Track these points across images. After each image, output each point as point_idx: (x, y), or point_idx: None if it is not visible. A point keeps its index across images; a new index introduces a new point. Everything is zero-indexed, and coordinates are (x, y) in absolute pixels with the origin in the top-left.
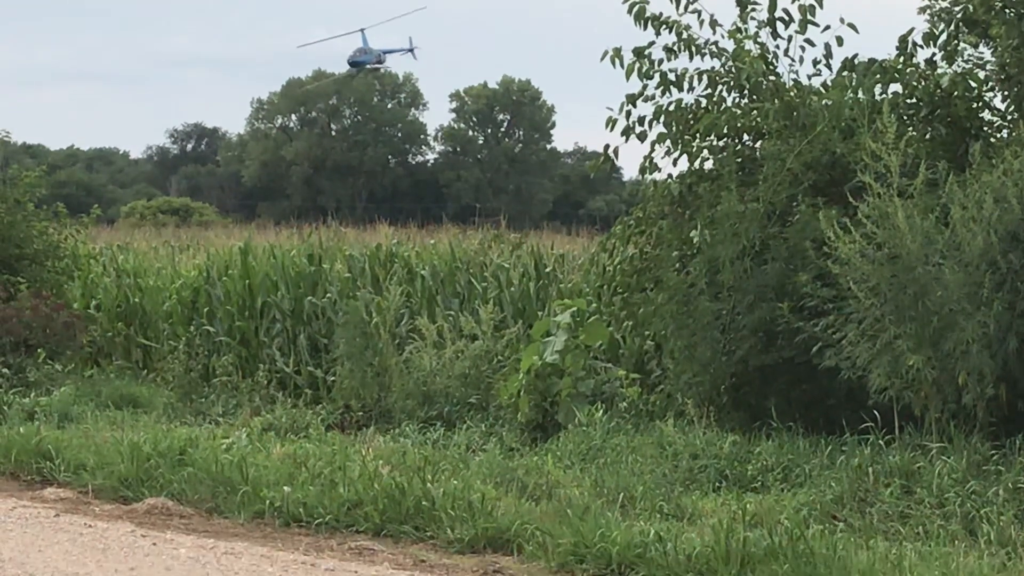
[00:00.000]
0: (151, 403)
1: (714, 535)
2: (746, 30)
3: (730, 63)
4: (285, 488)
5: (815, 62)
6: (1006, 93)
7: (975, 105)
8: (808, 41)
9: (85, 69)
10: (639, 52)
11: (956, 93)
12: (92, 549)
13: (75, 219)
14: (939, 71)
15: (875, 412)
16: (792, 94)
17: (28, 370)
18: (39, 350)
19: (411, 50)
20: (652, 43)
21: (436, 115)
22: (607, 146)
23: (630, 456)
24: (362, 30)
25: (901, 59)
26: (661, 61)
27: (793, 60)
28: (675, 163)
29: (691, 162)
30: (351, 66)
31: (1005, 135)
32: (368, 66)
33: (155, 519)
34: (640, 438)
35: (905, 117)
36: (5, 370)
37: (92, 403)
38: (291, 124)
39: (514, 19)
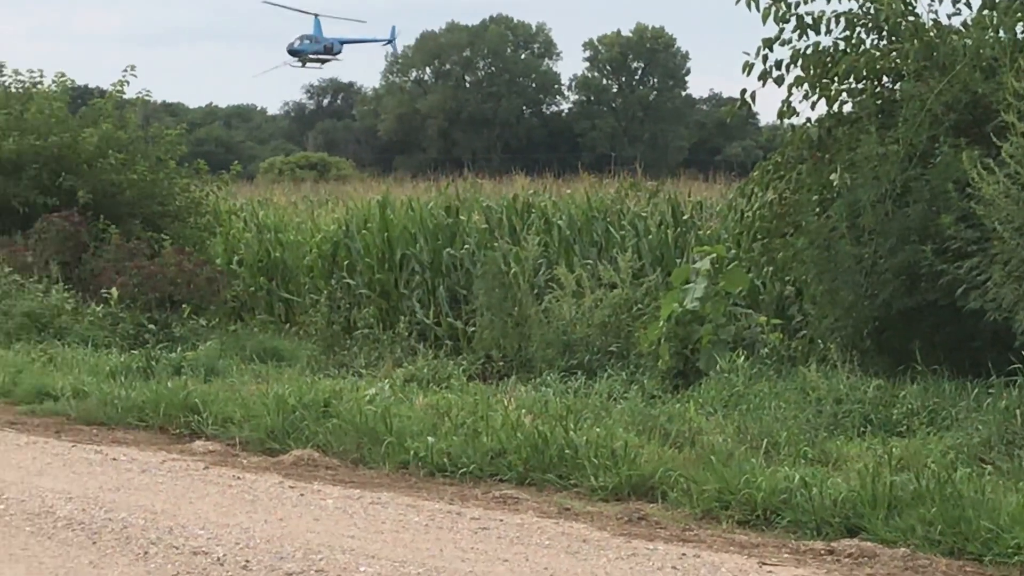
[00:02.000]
0: (294, 356)
1: (860, 480)
2: None
3: (868, 4)
4: (429, 438)
5: (955, 1)
6: None
7: None
8: None
9: (221, 26)
10: None
11: None
12: (241, 500)
13: (215, 176)
14: None
15: (1022, 354)
16: (932, 34)
17: (173, 325)
18: (184, 305)
19: (390, 41)
20: None
21: (570, 64)
22: (743, 91)
23: (773, 402)
24: (316, 15)
25: None
26: (797, 4)
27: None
28: (813, 107)
29: (829, 105)
30: (290, 54)
31: None
32: (311, 56)
33: (302, 470)
34: (782, 384)
35: None
36: (151, 326)
37: (237, 357)
38: (425, 77)
39: None
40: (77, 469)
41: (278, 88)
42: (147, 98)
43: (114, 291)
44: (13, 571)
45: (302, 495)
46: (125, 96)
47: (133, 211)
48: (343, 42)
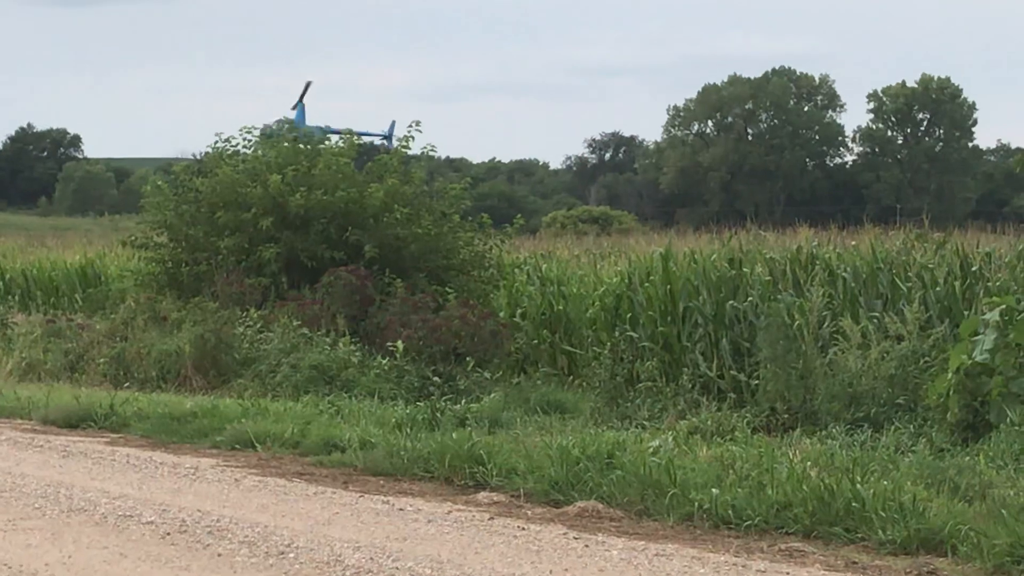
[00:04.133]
0: (577, 408)
1: None
2: None
3: None
4: (713, 490)
5: None
6: None
7: None
8: None
9: (505, 82)
10: None
11: None
12: (526, 551)
13: (498, 230)
14: None
15: None
16: None
17: (458, 378)
18: (468, 358)
19: (387, 137)
20: None
21: (854, 116)
22: None
23: None
24: (301, 101)
25: None
26: None
27: None
28: None
29: None
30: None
31: None
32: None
33: (586, 521)
34: None
35: None
36: (436, 378)
37: (520, 409)
38: (707, 130)
39: (932, 15)
40: (364, 519)
41: (560, 142)
42: (432, 153)
43: (399, 344)
44: None
45: (587, 546)
46: (410, 152)
47: (418, 265)
48: (328, 132)
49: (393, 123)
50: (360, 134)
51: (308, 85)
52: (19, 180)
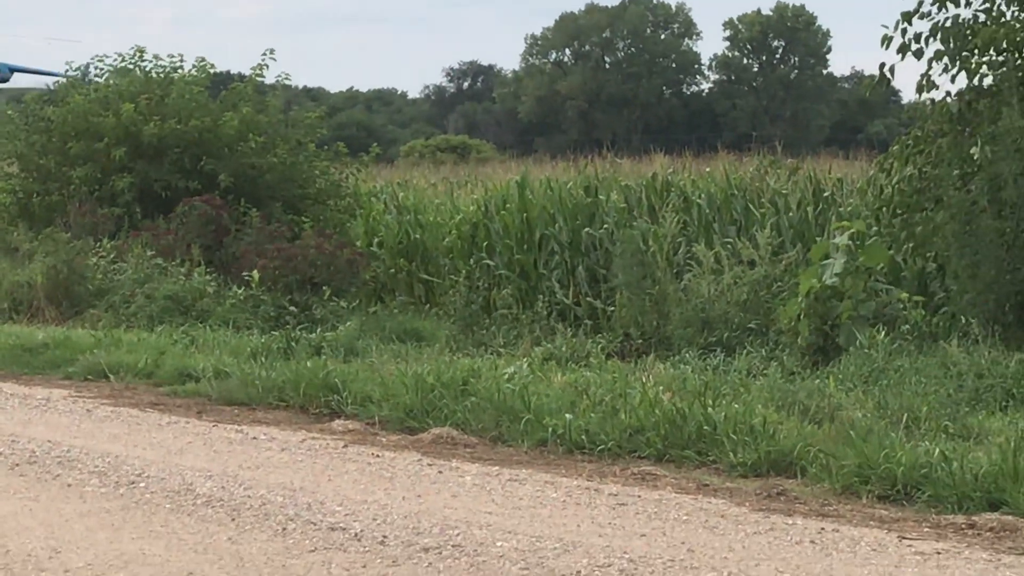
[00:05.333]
0: (433, 336)
1: (1001, 454)
2: None
3: None
4: (567, 416)
5: None
6: None
7: None
8: None
9: (363, 11)
10: None
11: None
12: (380, 478)
13: (355, 159)
14: None
15: None
16: None
17: (314, 307)
18: (324, 287)
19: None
20: None
21: (710, 44)
22: (882, 65)
23: (913, 377)
24: None
25: None
26: None
27: None
28: (953, 80)
29: (970, 79)
30: None
31: None
32: None
33: (440, 448)
34: (923, 359)
35: None
36: (292, 307)
37: (376, 337)
38: (565, 58)
39: None
40: (217, 448)
41: (418, 71)
42: (287, 82)
43: (255, 273)
44: (153, 547)
45: (440, 472)
46: (265, 80)
47: (273, 194)
48: (14, 69)
49: (67, 65)
50: (52, 73)
51: None
52: None
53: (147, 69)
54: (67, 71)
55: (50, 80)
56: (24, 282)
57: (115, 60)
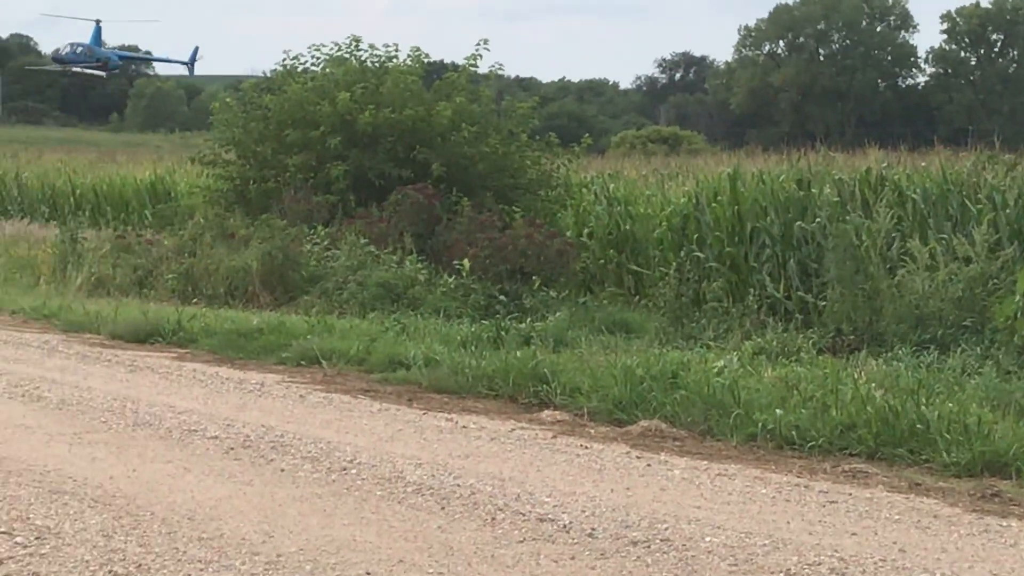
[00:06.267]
0: (642, 328)
1: None
2: None
3: None
4: (777, 411)
5: None
6: None
7: None
8: None
9: (577, 2)
10: None
11: None
12: (588, 469)
13: (567, 149)
14: None
15: None
16: None
17: (524, 296)
18: (534, 277)
19: (189, 63)
20: None
21: (927, 37)
22: None
23: None
24: (97, 22)
25: None
26: None
27: None
28: None
29: None
30: (55, 61)
31: None
32: (76, 68)
33: (649, 441)
34: None
35: None
36: (502, 297)
37: (585, 328)
38: (779, 50)
39: None
40: (427, 436)
41: (631, 62)
42: (500, 72)
43: (466, 262)
44: (364, 534)
45: (649, 465)
46: (478, 70)
47: (485, 184)
48: (124, 58)
49: (196, 48)
50: (156, 59)
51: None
52: (91, 96)
53: (362, 58)
54: (284, 60)
55: (170, 66)
56: (240, 268)
57: (331, 49)
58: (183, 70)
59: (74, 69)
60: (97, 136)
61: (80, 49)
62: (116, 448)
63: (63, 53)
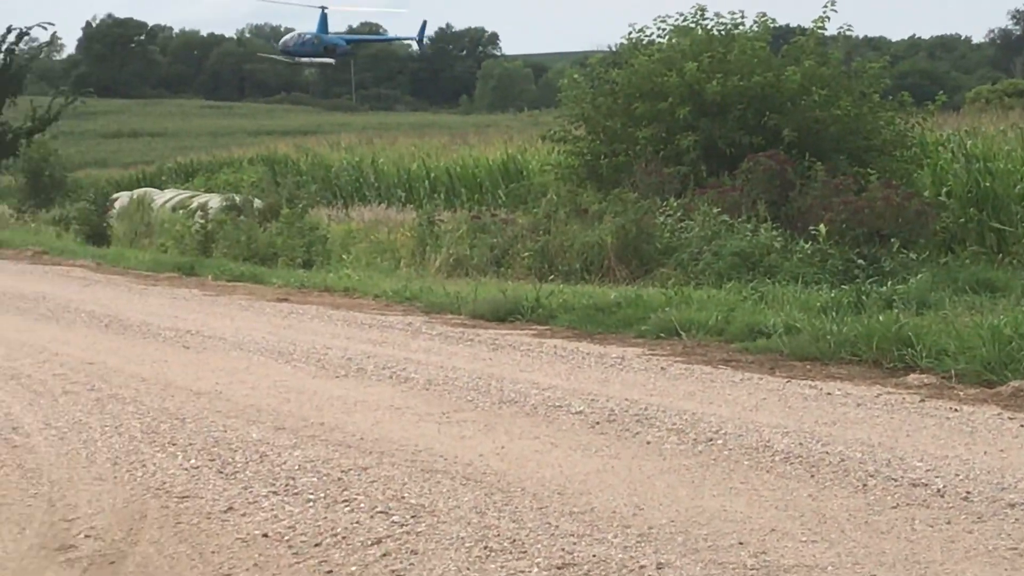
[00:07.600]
0: (1008, 287)
1: None
2: None
3: None
4: None
5: None
6: None
7: None
8: None
9: None
10: None
11: None
12: (959, 432)
13: (920, 108)
14: None
15: None
16: None
17: (883, 259)
18: (892, 239)
19: (419, 40)
20: None
21: None
22: None
23: None
24: (323, 9)
25: None
26: None
27: None
28: None
29: None
30: (282, 54)
31: None
32: (304, 60)
33: (1021, 402)
34: None
35: None
36: (860, 261)
37: (948, 289)
38: None
39: None
40: (792, 404)
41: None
42: (848, 33)
43: (822, 227)
44: (734, 504)
45: (1022, 426)
46: (826, 33)
47: (837, 147)
48: (351, 41)
49: (424, 23)
50: (384, 39)
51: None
52: (440, 80)
53: (708, 27)
54: (630, 33)
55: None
56: (594, 243)
57: (676, 20)
58: (529, 48)
59: (300, 60)
60: (447, 119)
61: (307, 37)
62: (483, 426)
63: (290, 45)
